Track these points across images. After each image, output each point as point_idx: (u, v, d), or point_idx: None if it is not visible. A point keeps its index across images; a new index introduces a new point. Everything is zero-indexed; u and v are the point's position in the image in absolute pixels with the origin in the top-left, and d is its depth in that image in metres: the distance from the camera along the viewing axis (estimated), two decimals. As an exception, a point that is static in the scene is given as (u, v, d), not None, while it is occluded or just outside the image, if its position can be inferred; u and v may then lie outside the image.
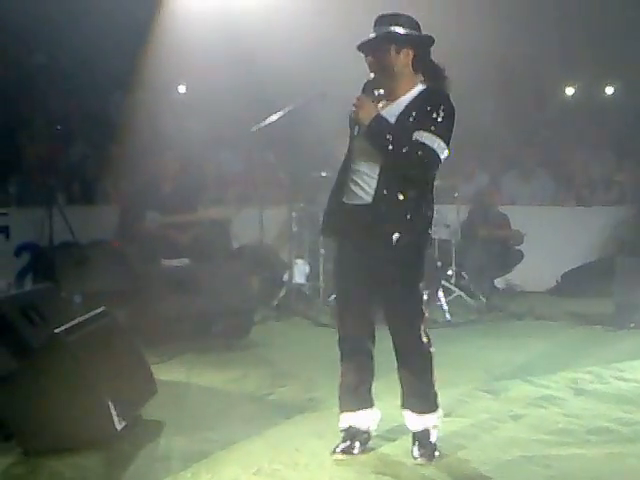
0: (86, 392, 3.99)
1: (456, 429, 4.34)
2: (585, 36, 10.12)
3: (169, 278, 6.42)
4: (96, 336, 4.32)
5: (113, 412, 3.99)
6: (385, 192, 3.79)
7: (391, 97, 3.89)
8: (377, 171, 3.82)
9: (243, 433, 4.28)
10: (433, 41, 3.92)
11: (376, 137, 3.78)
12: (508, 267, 8.73)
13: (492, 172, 9.98)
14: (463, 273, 8.19)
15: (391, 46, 3.83)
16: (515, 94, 10.70)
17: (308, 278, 8.16)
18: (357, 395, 4.03)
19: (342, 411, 4.05)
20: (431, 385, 3.95)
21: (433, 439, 3.96)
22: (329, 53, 7.79)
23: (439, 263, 7.76)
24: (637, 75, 10.54)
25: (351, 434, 4.02)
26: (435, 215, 7.79)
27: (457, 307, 7.69)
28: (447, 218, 8.04)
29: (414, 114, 3.78)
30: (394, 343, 3.93)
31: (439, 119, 3.75)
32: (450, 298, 7.72)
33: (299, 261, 8.09)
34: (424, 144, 3.71)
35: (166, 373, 5.42)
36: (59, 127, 9.34)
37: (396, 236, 3.78)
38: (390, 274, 3.84)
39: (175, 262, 6.86)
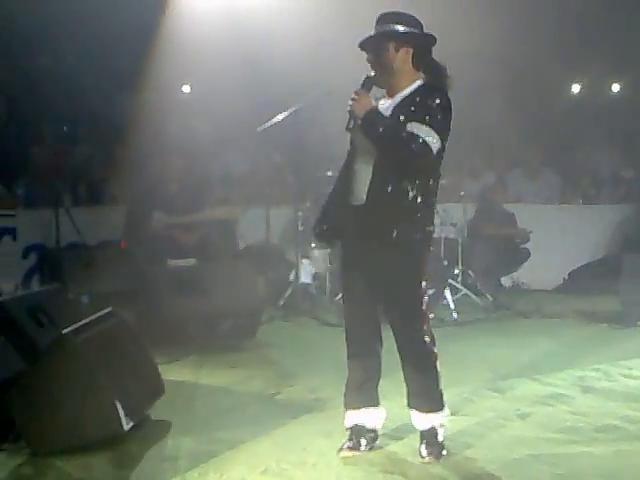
0: (94, 392, 4.00)
1: (463, 428, 4.34)
2: (590, 33, 10.10)
3: (176, 278, 6.42)
4: (104, 337, 4.34)
5: (121, 412, 4.01)
6: (379, 190, 3.80)
7: (390, 93, 3.92)
8: (370, 170, 3.83)
9: (251, 433, 4.29)
10: (435, 40, 3.93)
11: (369, 129, 3.79)
12: (515, 265, 8.72)
13: (498, 170, 9.97)
14: (469, 272, 8.19)
15: (390, 44, 3.85)
16: (521, 92, 10.68)
17: (314, 278, 8.17)
18: (362, 393, 4.03)
19: (347, 409, 4.06)
20: (435, 384, 3.95)
21: (440, 438, 3.96)
22: (334, 52, 7.79)
23: (445, 262, 7.76)
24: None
25: (357, 432, 4.03)
26: (441, 214, 7.87)
27: (464, 306, 7.69)
28: (453, 217, 8.06)
29: (410, 108, 3.79)
30: (397, 342, 3.93)
31: (433, 111, 3.75)
32: (457, 297, 7.72)
33: (305, 261, 8.10)
34: (415, 134, 3.71)
35: (174, 373, 5.44)
36: (65, 128, 9.36)
37: (393, 234, 3.78)
38: (389, 274, 3.85)
39: (182, 262, 6.86)
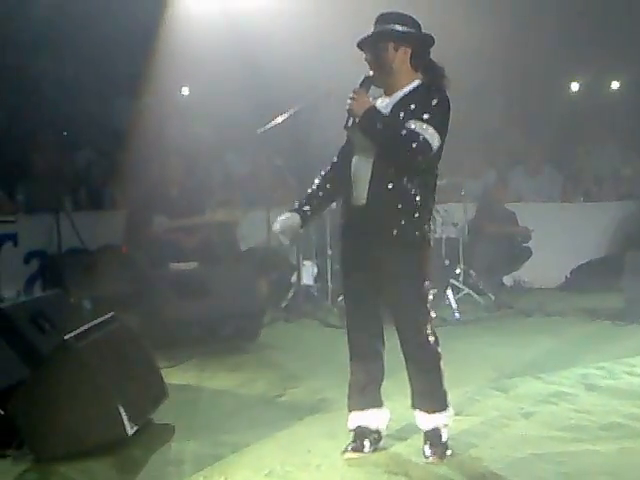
0: (97, 397, 4.00)
1: (467, 427, 4.33)
2: (589, 31, 10.09)
3: (178, 282, 6.42)
4: (106, 341, 4.33)
5: (124, 417, 4.00)
6: (379, 189, 3.80)
7: (388, 92, 3.93)
8: (370, 169, 3.83)
9: (254, 435, 4.28)
10: (433, 40, 3.94)
11: (368, 127, 3.79)
12: (516, 264, 8.72)
13: (499, 169, 9.96)
14: (471, 271, 8.18)
15: (389, 43, 3.86)
16: (521, 91, 10.68)
17: (316, 279, 8.16)
18: (365, 394, 4.02)
19: (350, 410, 4.05)
20: (440, 384, 3.94)
21: (444, 438, 3.95)
22: (333, 53, 7.79)
23: (447, 261, 7.76)
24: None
25: (360, 434, 4.02)
26: (442, 213, 7.86)
27: (466, 305, 7.68)
28: (454, 216, 8.04)
29: (409, 106, 3.79)
30: (401, 343, 3.93)
31: (432, 110, 3.77)
32: (459, 296, 7.71)
33: (307, 262, 8.09)
34: (416, 132, 3.72)
35: (177, 377, 5.44)
36: (65, 133, 9.36)
37: (394, 233, 3.78)
38: (392, 273, 3.84)
39: (183, 266, 6.86)
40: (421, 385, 3.94)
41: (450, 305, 7.42)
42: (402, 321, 3.90)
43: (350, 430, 4.04)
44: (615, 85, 11.67)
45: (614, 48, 10.20)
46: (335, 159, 4.13)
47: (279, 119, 7.79)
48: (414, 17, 3.92)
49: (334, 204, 6.07)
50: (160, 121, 9.22)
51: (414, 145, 3.70)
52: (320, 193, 4.11)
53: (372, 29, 3.91)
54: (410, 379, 3.97)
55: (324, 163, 4.17)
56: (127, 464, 3.97)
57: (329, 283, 7.88)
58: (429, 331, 3.88)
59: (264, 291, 7.71)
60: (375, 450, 4.00)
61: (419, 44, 3.90)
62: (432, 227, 3.99)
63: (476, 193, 9.07)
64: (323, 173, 4.14)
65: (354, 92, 3.85)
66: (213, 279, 6.52)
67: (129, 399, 4.12)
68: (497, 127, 9.93)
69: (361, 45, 3.93)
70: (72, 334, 4.10)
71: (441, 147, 3.82)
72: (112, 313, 4.65)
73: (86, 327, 4.31)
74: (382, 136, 3.78)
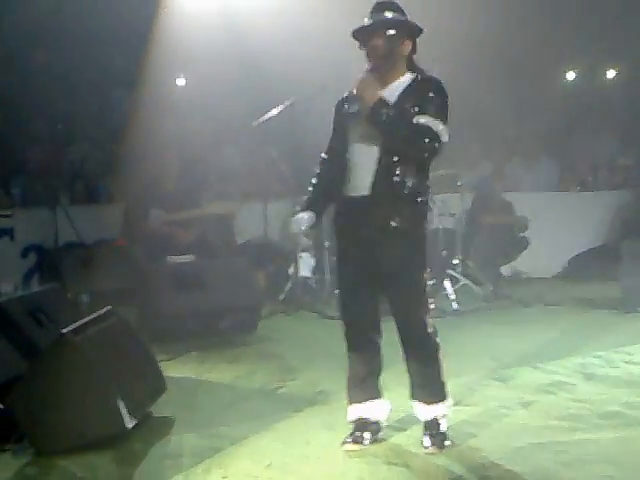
0: (95, 391, 4.00)
1: (466, 418, 4.34)
2: (585, 20, 10.08)
3: (175, 275, 6.43)
4: (104, 335, 4.33)
5: (123, 410, 4.00)
6: (384, 180, 3.79)
7: (381, 84, 3.87)
8: (374, 160, 3.81)
9: (253, 428, 4.28)
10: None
11: (378, 119, 3.76)
12: (514, 254, 8.72)
13: (495, 160, 9.95)
14: (469, 261, 8.18)
15: (402, 33, 3.85)
16: (517, 81, 10.67)
17: (314, 271, 8.16)
18: (365, 386, 4.02)
19: (350, 403, 4.06)
20: (439, 375, 3.95)
21: (443, 428, 3.96)
22: (330, 46, 7.77)
23: (444, 252, 7.75)
24: (638, 58, 10.52)
25: (360, 425, 4.02)
26: (439, 204, 7.85)
27: (464, 296, 7.67)
28: (451, 207, 8.03)
29: (413, 100, 3.78)
30: (399, 334, 3.93)
31: (438, 104, 3.79)
32: (457, 287, 7.71)
33: (304, 254, 8.09)
34: (429, 127, 3.72)
35: (175, 370, 5.44)
36: (60, 126, 9.33)
37: (396, 224, 3.78)
38: (394, 264, 3.84)
39: (180, 259, 6.85)
40: (420, 376, 3.94)
41: (448, 296, 7.42)
42: (402, 312, 3.89)
43: (350, 422, 4.04)
44: (611, 74, 11.66)
45: (610, 37, 10.20)
46: (325, 155, 4.08)
47: (274, 111, 7.78)
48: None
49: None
50: (156, 114, 9.19)
51: (427, 140, 3.72)
52: (322, 190, 4.06)
53: (378, 11, 3.85)
54: (409, 370, 3.97)
55: (319, 155, 4.15)
56: (126, 457, 3.97)
57: (327, 275, 7.87)
58: (428, 322, 3.89)
59: (262, 284, 7.71)
60: (374, 441, 4.00)
61: (417, 37, 3.92)
62: (438, 218, 4.00)
63: (473, 184, 9.07)
64: (318, 171, 4.08)
65: (363, 80, 3.81)
66: (210, 272, 6.52)
67: (128, 393, 4.12)
68: (493, 117, 9.90)
69: (380, 27, 3.84)
70: (70, 328, 4.10)
71: None
72: (109, 307, 4.64)
73: (83, 321, 4.30)
74: (394, 129, 3.75)
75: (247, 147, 9.67)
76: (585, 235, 9.15)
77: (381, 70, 3.86)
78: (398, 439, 4.07)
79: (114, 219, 7.94)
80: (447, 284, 7.52)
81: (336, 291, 7.30)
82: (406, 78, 3.88)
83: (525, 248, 8.69)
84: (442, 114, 3.78)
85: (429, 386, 3.95)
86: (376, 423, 4.05)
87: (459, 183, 8.20)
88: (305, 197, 4.10)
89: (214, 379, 5.35)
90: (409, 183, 3.80)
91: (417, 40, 3.93)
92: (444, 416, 3.97)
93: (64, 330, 4.06)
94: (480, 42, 9.21)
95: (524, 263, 8.83)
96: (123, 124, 8.85)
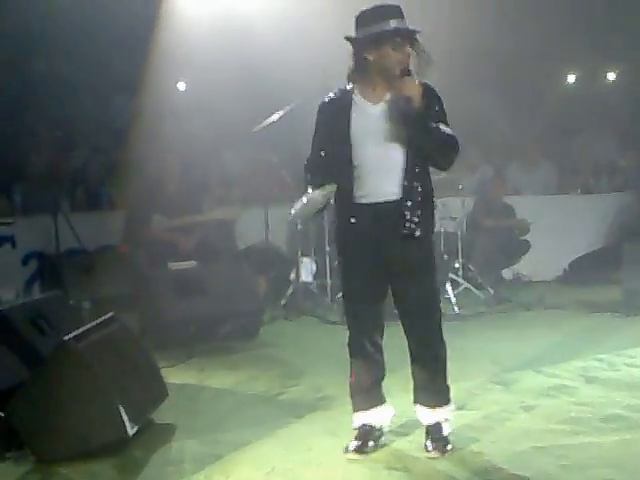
0: (97, 398, 4.00)
1: (468, 422, 4.33)
2: (585, 23, 10.09)
3: (177, 281, 6.43)
4: (105, 342, 4.33)
5: (125, 417, 4.00)
6: (412, 184, 3.79)
7: (380, 92, 3.85)
8: (398, 164, 3.79)
9: (255, 434, 4.28)
10: None
11: (422, 124, 3.73)
12: (515, 257, 8.72)
13: (495, 163, 9.97)
14: (470, 265, 8.18)
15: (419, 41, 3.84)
16: (516, 84, 10.69)
17: (315, 276, 8.16)
18: (370, 394, 4.02)
19: (355, 410, 4.05)
20: (445, 379, 3.97)
21: (446, 432, 3.96)
22: (330, 50, 7.78)
23: (446, 256, 7.76)
24: (638, 60, 10.53)
25: (364, 432, 4.01)
26: (441, 208, 7.86)
27: (465, 299, 7.68)
28: (452, 211, 8.04)
29: (430, 108, 3.78)
30: (412, 338, 3.92)
31: (444, 112, 3.84)
32: (458, 291, 7.71)
33: (305, 259, 8.09)
34: (454, 136, 3.78)
35: (177, 376, 5.44)
36: (61, 133, 9.35)
37: (421, 229, 3.80)
38: (411, 269, 3.83)
39: (182, 265, 6.86)
40: (426, 380, 3.95)
41: (449, 300, 7.42)
42: (419, 316, 3.89)
43: (354, 428, 4.03)
44: (611, 76, 11.67)
45: (610, 40, 10.21)
46: (316, 160, 3.98)
47: (275, 116, 7.79)
48: None
49: (332, 200, 5.94)
50: (157, 119, 9.21)
51: (455, 146, 3.79)
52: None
53: (400, 21, 3.78)
54: (415, 374, 3.98)
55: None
56: (128, 464, 3.97)
57: (328, 279, 7.87)
58: (440, 326, 3.92)
59: (263, 289, 7.72)
60: (376, 446, 4.00)
61: None
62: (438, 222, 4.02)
63: (474, 187, 9.08)
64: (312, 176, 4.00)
65: (413, 86, 3.73)
66: (212, 278, 6.53)
67: (129, 399, 4.12)
68: (493, 121, 9.92)
69: (408, 35, 3.78)
70: (71, 335, 4.10)
71: None
72: (111, 314, 4.64)
73: (85, 328, 4.31)
74: (435, 135, 3.75)
75: (248, 152, 9.68)
76: (586, 238, 9.14)
77: (397, 77, 3.80)
78: (400, 444, 4.07)
79: (116, 225, 7.95)
80: (449, 288, 7.52)
81: (338, 296, 7.39)
82: None
83: (526, 251, 8.69)
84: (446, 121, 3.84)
85: (434, 390, 3.96)
86: (380, 429, 4.05)
87: (460, 187, 8.21)
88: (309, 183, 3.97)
89: (216, 385, 5.35)
90: (429, 187, 3.85)
91: None
92: (447, 420, 3.98)
93: (66, 337, 4.06)
94: (480, 46, 9.22)
95: (525, 266, 8.82)
96: (124, 129, 8.86)
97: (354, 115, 3.83)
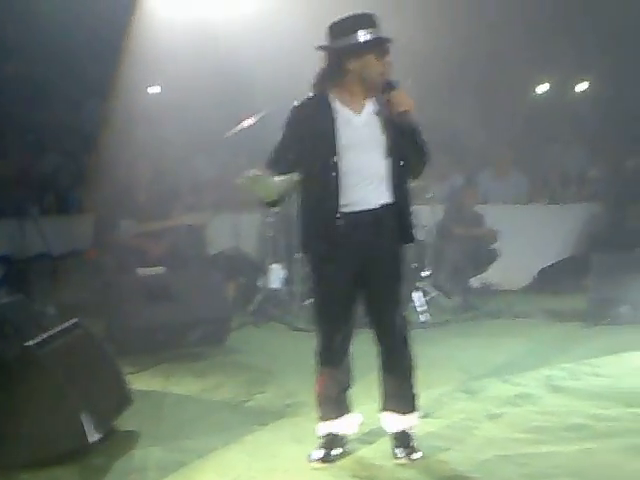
0: (59, 405, 3.96)
1: (433, 430, 4.35)
2: (556, 33, 10.19)
3: (145, 287, 6.38)
4: (69, 348, 4.30)
5: (87, 425, 3.96)
6: (400, 189, 3.85)
7: (360, 99, 3.87)
8: (383, 170, 3.82)
9: (220, 441, 4.26)
10: None
11: (414, 130, 3.82)
12: (483, 266, 8.74)
13: (466, 171, 10.01)
14: (439, 273, 8.21)
15: None
16: (488, 93, 10.75)
17: (284, 283, 8.15)
18: (338, 403, 4.02)
19: (322, 420, 4.03)
20: (413, 385, 4.00)
21: (414, 439, 3.98)
22: (303, 57, 7.79)
23: (414, 264, 7.77)
24: (608, 71, 10.64)
25: (329, 441, 4.00)
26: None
27: (433, 308, 7.69)
28: (422, 219, 8.06)
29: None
30: (383, 345, 3.95)
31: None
32: (426, 299, 7.73)
33: (275, 266, 8.08)
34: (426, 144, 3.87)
35: (142, 383, 5.40)
36: (30, 137, 9.28)
37: (404, 237, 3.90)
38: (388, 275, 3.88)
39: (151, 271, 6.82)
40: (398, 387, 3.97)
41: (417, 308, 7.44)
42: (388, 323, 3.92)
43: (320, 437, 4.02)
44: (582, 87, 11.77)
45: (581, 50, 10.31)
46: (286, 155, 3.92)
47: (247, 122, 7.78)
48: None
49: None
50: (129, 124, 9.16)
51: (428, 155, 3.90)
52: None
53: (371, 28, 3.81)
54: (386, 382, 3.99)
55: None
56: (90, 472, 3.93)
57: (297, 286, 7.86)
58: (409, 332, 3.97)
59: (232, 295, 7.70)
60: (341, 454, 3.99)
61: None
62: None
63: (444, 195, 9.11)
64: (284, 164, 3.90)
65: (402, 96, 3.78)
66: (180, 284, 6.50)
67: (92, 406, 4.08)
68: (463, 130, 9.97)
69: (385, 47, 3.85)
70: (34, 341, 4.07)
71: None
72: (76, 319, 4.61)
73: (49, 334, 4.27)
74: (420, 139, 3.85)
75: (220, 158, 9.66)
76: (554, 248, 9.21)
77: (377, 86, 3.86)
78: (365, 452, 4.07)
79: (85, 230, 7.89)
80: (417, 296, 7.54)
81: (307, 303, 7.38)
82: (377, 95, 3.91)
83: (495, 260, 8.72)
84: None
85: (405, 397, 3.98)
86: (344, 437, 4.05)
87: (429, 195, 8.23)
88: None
89: (181, 392, 5.31)
90: (409, 195, 3.92)
91: None
92: (413, 427, 4.00)
93: (28, 343, 4.02)
94: (451, 55, 9.27)
95: (494, 275, 8.86)
96: (95, 134, 8.81)
97: (339, 124, 3.81)
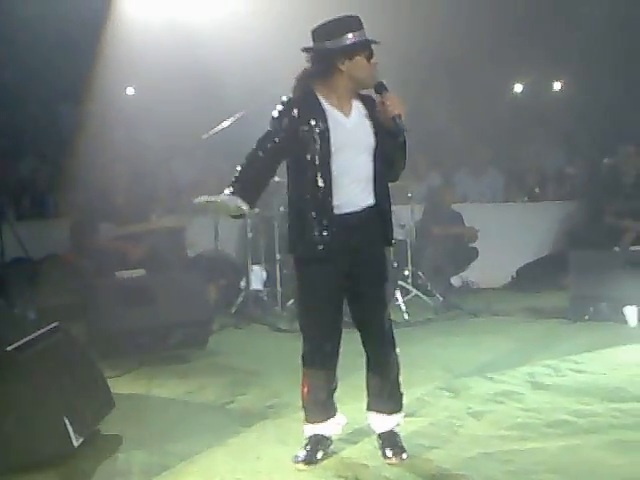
0: (41, 410, 3.92)
1: (417, 429, 4.35)
2: (531, 34, 10.25)
3: (124, 290, 6.34)
4: (50, 352, 4.26)
5: (69, 429, 3.93)
6: (383, 190, 3.87)
7: (347, 99, 3.87)
8: (369, 171, 3.83)
9: (204, 443, 4.24)
10: None
11: (403, 131, 3.80)
12: (464, 265, 8.80)
13: (443, 170, 10.05)
14: (419, 272, 8.25)
15: None
16: (464, 92, 10.79)
17: (265, 284, 8.15)
18: (324, 406, 4.01)
19: (308, 422, 4.02)
20: (400, 385, 4.02)
21: (401, 438, 3.98)
22: (281, 58, 7.78)
23: (395, 263, 7.79)
24: (584, 70, 10.72)
25: (315, 442, 3.99)
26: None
27: (414, 307, 7.72)
28: (402, 218, 8.08)
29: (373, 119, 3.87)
30: (370, 346, 3.95)
31: None
32: (407, 298, 7.76)
33: (256, 267, 8.07)
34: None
35: (124, 386, 5.36)
36: (5, 141, 9.21)
37: (386, 233, 3.92)
38: (375, 275, 3.90)
39: (130, 273, 6.78)
40: (384, 387, 3.97)
41: (399, 307, 7.45)
42: (375, 322, 3.93)
43: (305, 437, 4.01)
44: (557, 86, 11.86)
45: (555, 50, 10.38)
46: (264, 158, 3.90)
47: (225, 124, 7.77)
48: None
49: (282, 208, 5.98)
50: (105, 126, 9.11)
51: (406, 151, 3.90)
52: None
53: (359, 29, 3.82)
54: (372, 381, 3.99)
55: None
56: (73, 476, 3.89)
57: (279, 287, 7.86)
58: (394, 332, 3.98)
59: (213, 297, 7.67)
60: (325, 455, 3.99)
61: None
62: None
63: (422, 195, 9.14)
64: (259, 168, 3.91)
65: (393, 99, 3.77)
66: (161, 286, 6.46)
67: (74, 411, 4.05)
68: (441, 129, 10.01)
69: (369, 49, 3.85)
70: (14, 345, 4.03)
71: None
72: (56, 323, 4.57)
73: (29, 338, 4.23)
74: (405, 142, 3.86)
75: (198, 160, 9.63)
76: (533, 245, 9.28)
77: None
78: (349, 452, 4.07)
79: (62, 234, 7.84)
80: (398, 295, 7.56)
81: (289, 304, 7.38)
82: (359, 96, 3.92)
83: (475, 259, 8.78)
84: None
85: (391, 397, 3.99)
86: (329, 438, 4.04)
87: (409, 194, 8.26)
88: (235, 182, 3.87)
89: (164, 395, 5.28)
90: (389, 195, 3.92)
91: None
92: (399, 426, 4.01)
93: (8, 348, 3.98)
94: (428, 54, 9.31)
95: (474, 274, 8.91)
96: (71, 137, 8.76)
97: (331, 126, 3.79)
